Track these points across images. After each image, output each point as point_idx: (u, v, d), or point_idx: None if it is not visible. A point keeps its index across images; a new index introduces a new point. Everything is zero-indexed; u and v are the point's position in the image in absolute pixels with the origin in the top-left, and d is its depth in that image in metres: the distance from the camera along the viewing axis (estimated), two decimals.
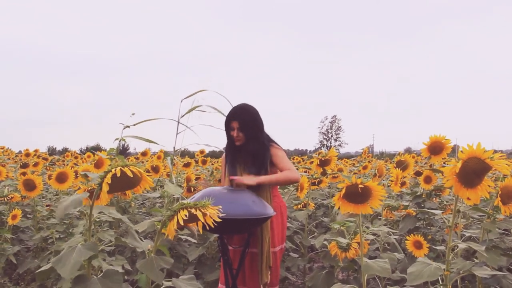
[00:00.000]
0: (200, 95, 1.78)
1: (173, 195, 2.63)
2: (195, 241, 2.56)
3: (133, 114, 1.75)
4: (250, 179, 2.29)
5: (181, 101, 1.77)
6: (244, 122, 2.46)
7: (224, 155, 2.65)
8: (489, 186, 1.40)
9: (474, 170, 1.33)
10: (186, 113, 1.75)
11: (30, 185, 2.86)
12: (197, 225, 1.37)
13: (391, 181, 2.47)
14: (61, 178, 2.73)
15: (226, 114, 2.49)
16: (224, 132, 2.53)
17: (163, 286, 1.55)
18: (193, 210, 1.32)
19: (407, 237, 2.33)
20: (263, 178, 2.33)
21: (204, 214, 1.33)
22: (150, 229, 2.70)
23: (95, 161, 2.54)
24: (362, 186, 1.52)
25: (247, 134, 2.46)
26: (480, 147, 1.32)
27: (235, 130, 2.45)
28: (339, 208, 1.61)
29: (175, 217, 1.33)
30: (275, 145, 2.55)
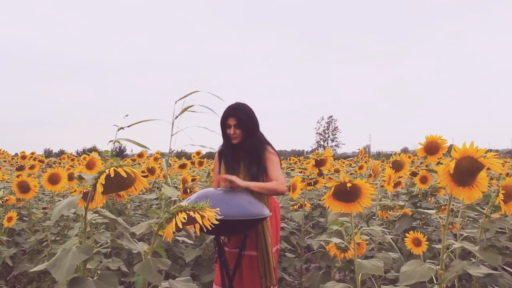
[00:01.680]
0: (192, 96, 1.78)
1: (170, 197, 2.63)
2: (192, 242, 2.56)
3: (126, 115, 1.75)
4: (240, 181, 2.25)
5: (175, 102, 1.77)
6: (241, 118, 2.43)
7: (217, 154, 2.60)
8: (485, 185, 1.40)
9: (467, 169, 1.34)
10: (180, 113, 1.75)
11: (24, 187, 2.85)
12: (195, 227, 1.37)
13: (384, 180, 2.48)
14: (53, 179, 2.72)
15: (220, 113, 2.47)
16: (218, 133, 2.51)
17: None
18: (191, 213, 1.32)
19: (406, 235, 2.34)
20: (251, 184, 2.28)
21: (202, 217, 1.33)
22: (147, 231, 2.70)
23: (86, 162, 2.54)
24: (351, 185, 1.53)
25: (244, 131, 2.44)
26: (473, 146, 1.32)
27: (231, 127, 2.43)
28: (329, 207, 1.62)
29: (174, 220, 1.33)
30: (270, 149, 2.51)
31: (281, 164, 2.56)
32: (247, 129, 2.45)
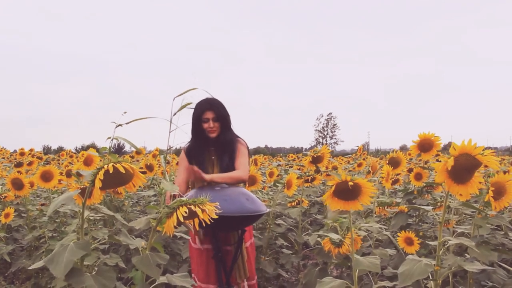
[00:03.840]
0: (190, 93, 1.79)
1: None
2: (189, 237, 2.57)
3: (124, 112, 1.75)
4: (205, 175, 2.27)
5: (173, 99, 1.78)
6: (220, 112, 2.44)
7: (183, 153, 2.55)
8: (480, 182, 1.41)
9: (465, 166, 1.35)
10: (178, 111, 1.76)
11: (18, 184, 2.86)
12: (194, 222, 1.38)
13: (382, 177, 2.49)
14: (46, 176, 2.73)
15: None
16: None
17: (157, 283, 1.56)
18: (192, 207, 1.33)
19: (398, 234, 2.35)
20: (215, 176, 2.31)
21: (203, 211, 1.34)
22: (145, 227, 2.70)
23: (84, 159, 2.54)
24: (352, 183, 1.53)
25: (222, 124, 2.45)
26: (471, 143, 1.33)
27: (209, 121, 2.42)
28: (329, 205, 1.63)
29: (174, 214, 1.34)
30: (241, 140, 2.55)
31: (249, 156, 2.59)
32: (225, 122, 2.47)
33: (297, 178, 3.01)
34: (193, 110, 2.47)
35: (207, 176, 2.26)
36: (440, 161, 1.41)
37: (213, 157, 2.48)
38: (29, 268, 1.40)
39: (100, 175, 1.26)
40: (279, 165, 6.85)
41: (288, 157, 9.60)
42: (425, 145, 2.01)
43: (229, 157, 2.45)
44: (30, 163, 4.86)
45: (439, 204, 2.97)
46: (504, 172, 1.73)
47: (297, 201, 3.30)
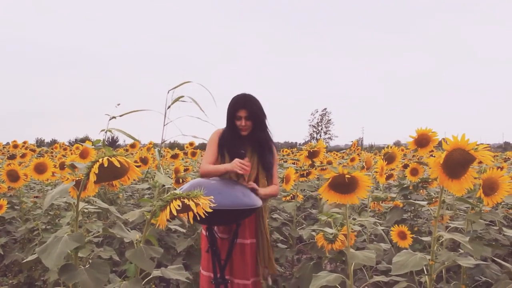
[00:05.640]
0: (184, 86, 1.78)
1: (163, 185, 2.62)
2: (184, 230, 2.56)
3: (118, 104, 1.73)
4: (260, 189, 2.34)
5: (168, 92, 1.76)
6: (252, 110, 2.42)
7: (216, 136, 2.52)
8: (475, 178, 1.42)
9: (458, 161, 1.35)
10: (171, 104, 1.74)
11: (13, 176, 2.83)
12: (188, 215, 1.37)
13: (376, 172, 2.50)
14: (40, 168, 2.72)
15: (211, 105, 2.45)
16: (211, 123, 2.50)
17: (151, 276, 1.56)
18: (186, 200, 1.32)
19: (392, 228, 2.36)
20: (262, 192, 2.36)
21: (197, 204, 1.33)
22: (139, 220, 2.69)
23: (80, 151, 2.53)
24: (349, 176, 1.53)
25: (254, 122, 2.44)
26: (464, 138, 1.33)
27: (242, 119, 2.41)
28: (325, 198, 1.63)
29: (168, 207, 1.33)
30: (275, 150, 2.57)
31: None
32: (258, 121, 2.46)
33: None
34: (185, 103, 2.44)
35: (261, 191, 2.33)
36: (435, 156, 1.42)
37: (247, 154, 2.47)
38: (24, 261, 1.39)
39: (95, 168, 1.24)
40: None
41: (282, 151, 9.60)
42: (422, 140, 2.02)
43: (272, 157, 2.50)
44: (23, 155, 4.82)
45: (434, 199, 2.98)
46: (501, 169, 1.73)
47: (291, 195, 3.30)
